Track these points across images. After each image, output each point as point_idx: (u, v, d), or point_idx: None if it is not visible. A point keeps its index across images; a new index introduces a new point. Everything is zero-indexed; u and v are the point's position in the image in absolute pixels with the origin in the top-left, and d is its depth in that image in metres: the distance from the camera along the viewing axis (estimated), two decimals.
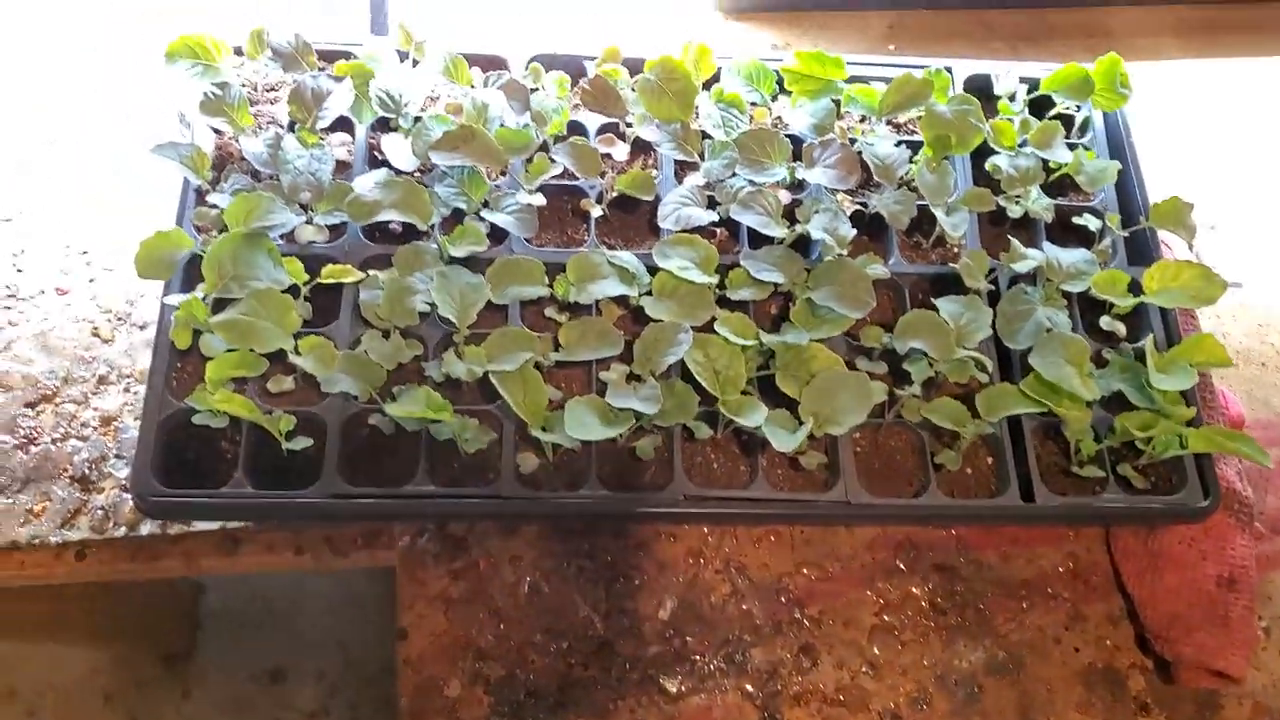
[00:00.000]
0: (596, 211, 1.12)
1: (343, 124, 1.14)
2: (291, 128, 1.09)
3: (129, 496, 1.04)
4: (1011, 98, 1.23)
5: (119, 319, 1.15)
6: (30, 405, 1.09)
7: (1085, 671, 1.11)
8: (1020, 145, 1.18)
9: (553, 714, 1.02)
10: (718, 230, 1.14)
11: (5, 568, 1.04)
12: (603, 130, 1.17)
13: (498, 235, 1.09)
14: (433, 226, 1.05)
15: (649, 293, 1.06)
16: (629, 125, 1.14)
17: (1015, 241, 1.10)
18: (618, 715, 1.03)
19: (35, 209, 1.23)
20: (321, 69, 1.15)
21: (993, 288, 1.11)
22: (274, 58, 1.10)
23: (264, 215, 0.97)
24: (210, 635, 2.04)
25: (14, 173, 1.25)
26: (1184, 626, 1.07)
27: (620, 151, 1.14)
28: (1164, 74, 1.50)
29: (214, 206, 1.03)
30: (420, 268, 1.00)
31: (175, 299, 0.95)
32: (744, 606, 1.09)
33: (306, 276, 1.00)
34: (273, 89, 1.17)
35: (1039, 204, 1.16)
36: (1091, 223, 1.16)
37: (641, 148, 1.18)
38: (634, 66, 1.16)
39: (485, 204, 1.08)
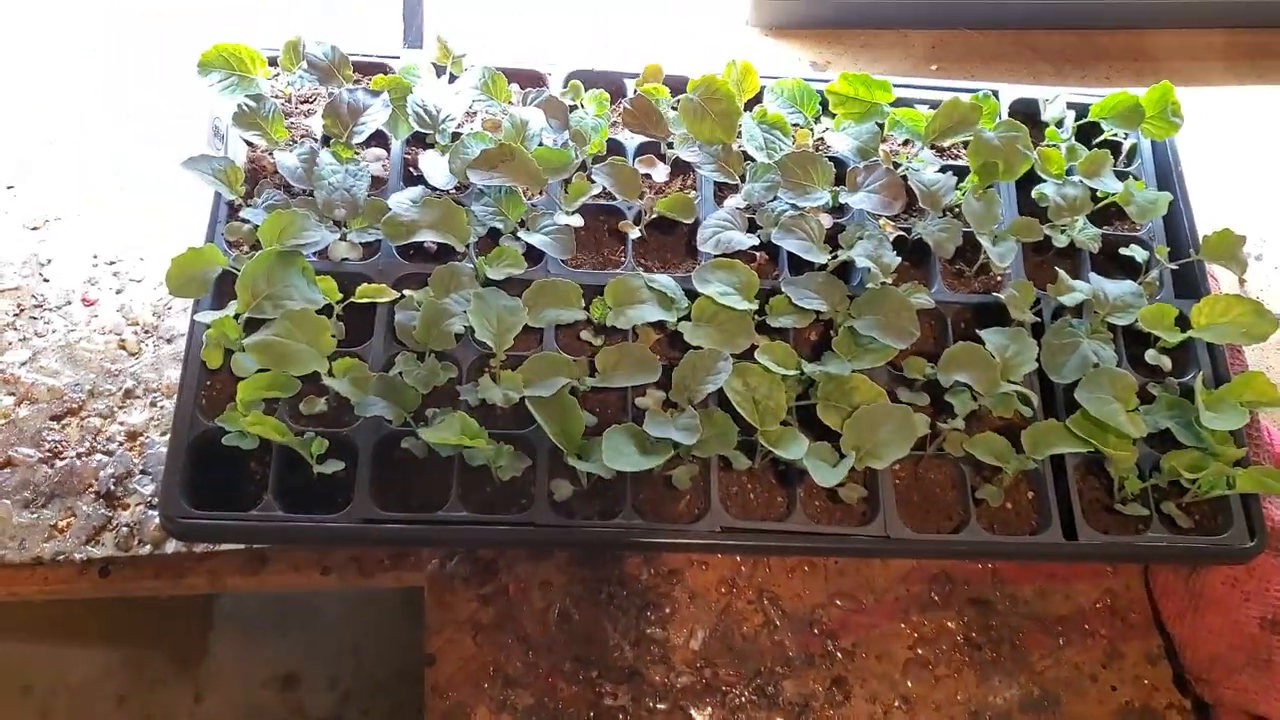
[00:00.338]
0: (634, 233, 1.09)
1: (378, 138, 1.12)
2: (326, 142, 1.07)
3: (154, 513, 1.03)
4: (1059, 124, 1.20)
5: (146, 331, 1.14)
6: (56, 418, 1.08)
7: (1122, 711, 1.08)
8: (1067, 173, 1.15)
9: None
10: (757, 254, 1.12)
11: (29, 583, 1.03)
12: (642, 150, 1.15)
13: (534, 255, 1.07)
14: (469, 246, 1.03)
15: (687, 317, 1.04)
16: (670, 146, 1.12)
17: (1063, 273, 1.08)
18: None
19: (55, 215, 1.21)
20: (358, 81, 1.13)
21: (1037, 319, 1.09)
22: (309, 70, 1.08)
23: (298, 233, 0.95)
24: (223, 638, 2.03)
25: (16, 173, 1.24)
26: (1225, 669, 1.05)
27: (660, 172, 1.12)
28: (1210, 100, 1.47)
29: (246, 221, 1.01)
30: (456, 289, 0.99)
31: (207, 317, 0.94)
32: (776, 638, 1.07)
33: (340, 295, 0.98)
34: (306, 101, 1.15)
35: (1085, 234, 1.13)
36: (1138, 254, 1.14)
37: (681, 168, 1.16)
38: (675, 84, 1.14)
39: (522, 223, 1.06)
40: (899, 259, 1.06)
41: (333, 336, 0.94)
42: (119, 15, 1.38)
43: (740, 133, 1.11)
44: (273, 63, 1.10)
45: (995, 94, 1.23)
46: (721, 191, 1.14)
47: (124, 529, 1.03)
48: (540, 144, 1.08)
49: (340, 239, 1.03)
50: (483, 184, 1.01)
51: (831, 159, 1.13)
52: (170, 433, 0.94)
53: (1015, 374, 1.02)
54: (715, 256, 1.06)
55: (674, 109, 1.11)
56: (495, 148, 1.00)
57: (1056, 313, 1.10)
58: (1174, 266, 1.14)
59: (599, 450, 0.92)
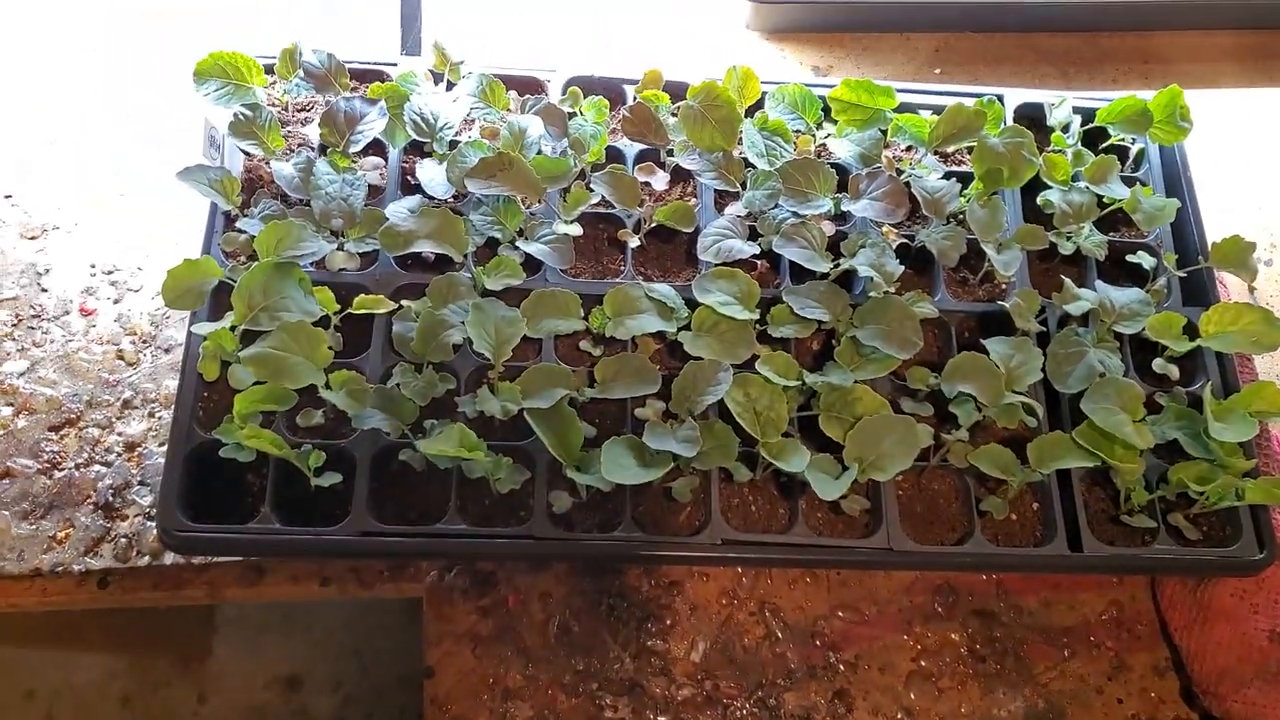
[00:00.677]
0: (634, 242, 1.08)
1: (375, 147, 1.11)
2: (323, 151, 1.07)
3: (152, 525, 1.02)
4: (1065, 129, 1.19)
5: (144, 342, 1.13)
6: (54, 429, 1.07)
7: None
8: (1073, 179, 1.14)
9: None
10: (759, 262, 1.11)
11: (28, 595, 1.02)
12: (641, 157, 1.14)
13: (533, 265, 1.06)
14: (467, 256, 1.02)
15: (687, 327, 1.03)
16: (669, 154, 1.11)
17: (1069, 282, 1.07)
18: None
19: (54, 224, 1.20)
20: (355, 89, 1.12)
21: (1042, 328, 1.07)
22: (306, 79, 1.07)
23: (295, 244, 0.94)
24: (227, 640, 2.03)
25: (15, 183, 1.23)
26: (1234, 682, 1.04)
27: (660, 180, 1.11)
28: (1220, 102, 1.45)
29: (243, 232, 1.00)
30: (454, 299, 0.98)
31: (203, 328, 0.93)
32: (778, 649, 1.06)
33: (337, 306, 0.98)
34: (303, 109, 1.15)
35: (1091, 241, 1.12)
36: (1146, 261, 1.13)
37: (681, 176, 1.15)
38: (675, 91, 1.13)
39: (521, 233, 1.06)
40: (902, 267, 1.04)
41: (329, 348, 0.93)
42: (119, 15, 1.37)
43: (741, 139, 1.10)
44: (269, 71, 1.10)
45: (1000, 99, 1.21)
46: (722, 199, 1.13)
47: (122, 540, 1.03)
48: (539, 152, 1.07)
49: (338, 249, 1.02)
50: (481, 193, 1.01)
51: (834, 165, 1.12)
52: (167, 445, 0.93)
53: (1020, 384, 1.00)
54: (716, 265, 1.05)
55: (674, 115, 1.10)
56: (493, 156, 0.99)
57: (1062, 321, 1.09)
58: (1182, 274, 1.13)
59: (598, 462, 0.91)
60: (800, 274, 1.08)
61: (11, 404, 1.08)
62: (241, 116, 1.03)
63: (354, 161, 1.07)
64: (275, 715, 2.00)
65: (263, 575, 1.06)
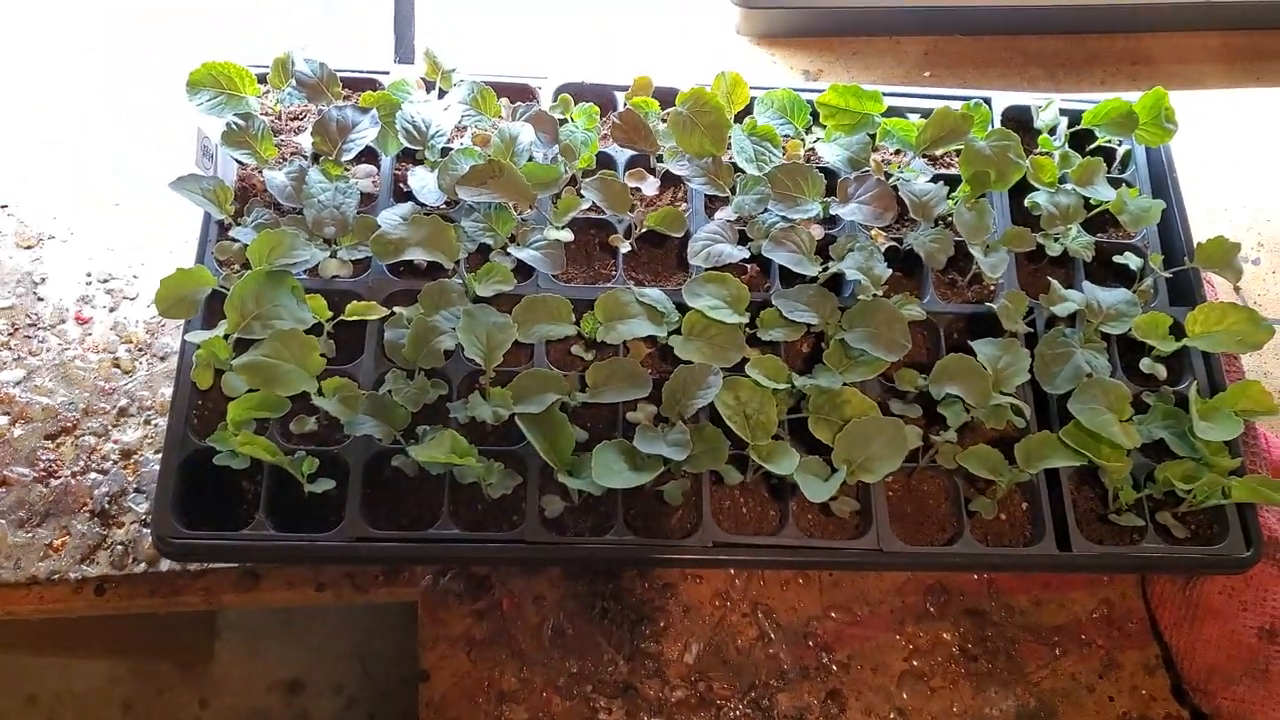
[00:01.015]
0: (625, 247, 1.09)
1: (368, 154, 1.12)
2: (316, 159, 1.07)
3: (148, 532, 1.03)
4: (1052, 131, 1.20)
5: (140, 349, 1.14)
6: (50, 437, 1.08)
7: None
8: (1060, 181, 1.15)
9: None
10: (749, 266, 1.12)
11: (24, 602, 1.03)
12: (632, 163, 1.15)
13: (525, 271, 1.07)
14: (459, 262, 1.03)
15: (678, 331, 1.04)
16: (659, 159, 1.12)
17: (1055, 283, 1.08)
18: None
19: (50, 234, 1.21)
20: (347, 98, 1.13)
21: (1030, 329, 1.08)
22: (298, 88, 1.08)
23: (287, 252, 0.95)
24: (228, 645, 2.04)
25: (11, 193, 1.24)
26: (1223, 679, 1.04)
27: (650, 186, 1.12)
28: (1207, 103, 1.46)
29: (236, 241, 1.01)
30: (446, 305, 0.99)
31: (197, 337, 0.94)
32: (771, 651, 1.07)
33: (330, 313, 0.99)
34: (296, 118, 1.16)
35: (1079, 242, 1.13)
36: (1132, 261, 1.13)
37: (672, 181, 1.16)
38: (665, 96, 1.14)
39: (512, 239, 1.06)
40: (890, 270, 1.05)
41: (322, 355, 0.94)
42: (119, 15, 1.38)
43: (730, 145, 1.11)
44: (262, 80, 1.11)
45: (988, 101, 1.22)
46: (712, 204, 1.14)
47: (119, 547, 1.04)
48: (530, 159, 1.08)
49: (330, 257, 1.03)
50: (472, 200, 1.01)
51: (822, 170, 1.13)
52: (161, 453, 0.94)
53: (1008, 385, 1.01)
54: (706, 270, 1.06)
55: (664, 122, 1.11)
56: (484, 164, 1.00)
57: (1050, 322, 1.10)
58: (1168, 274, 1.13)
59: (590, 466, 0.92)
60: (790, 278, 1.09)
61: (8, 413, 1.09)
62: (234, 126, 1.04)
63: (346, 170, 1.08)
64: (277, 719, 2.00)
65: (259, 581, 1.06)
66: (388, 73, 1.16)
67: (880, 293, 1.04)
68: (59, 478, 1.06)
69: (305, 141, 1.11)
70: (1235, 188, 1.40)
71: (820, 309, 1.04)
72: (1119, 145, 1.23)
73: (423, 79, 1.15)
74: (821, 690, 1.06)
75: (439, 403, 0.99)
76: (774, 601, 1.09)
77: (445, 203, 1.08)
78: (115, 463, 1.08)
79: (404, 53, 1.34)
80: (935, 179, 1.14)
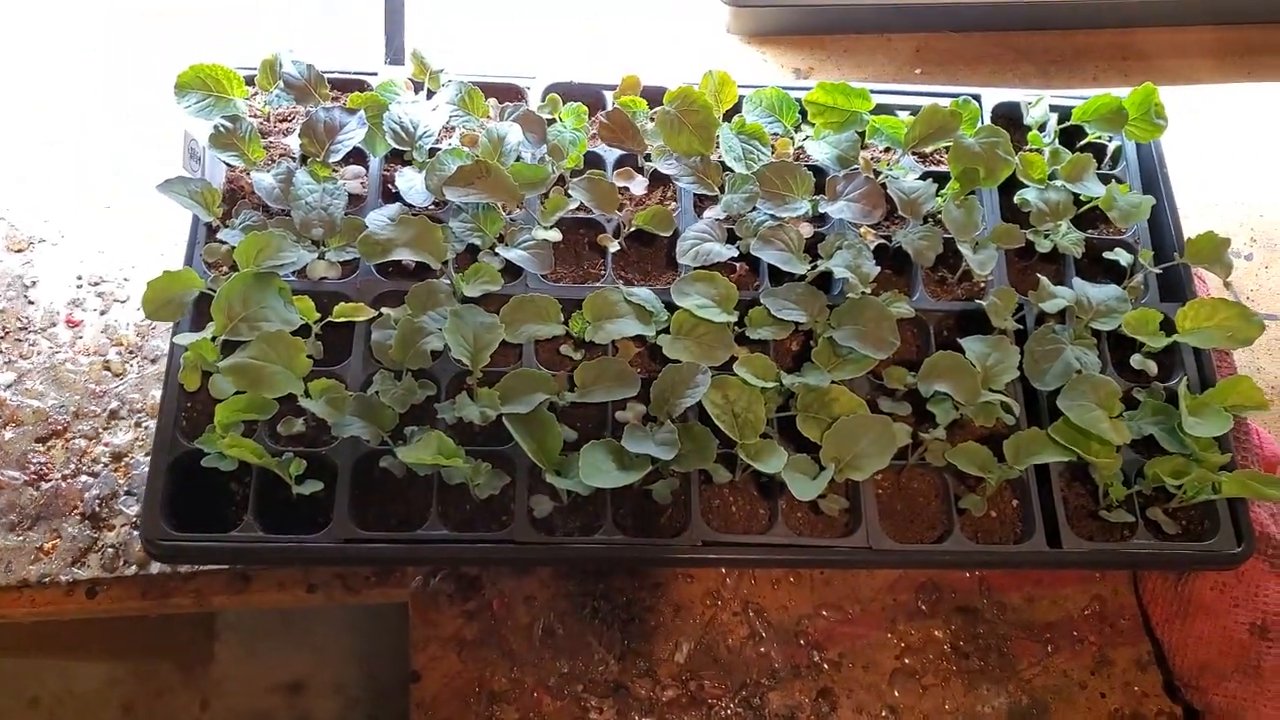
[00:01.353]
0: (614, 247, 1.09)
1: (357, 155, 1.12)
2: (304, 161, 1.08)
3: (139, 534, 1.03)
4: (1041, 127, 1.19)
5: (130, 352, 1.14)
6: (41, 440, 1.08)
7: (1112, 718, 1.08)
8: (1050, 177, 1.14)
9: None
10: (738, 265, 1.12)
11: (16, 605, 1.03)
12: (621, 162, 1.15)
13: (514, 270, 1.07)
14: (446, 263, 1.03)
15: (667, 330, 1.04)
16: (648, 159, 1.12)
17: (1044, 280, 1.07)
18: None
19: (40, 237, 1.22)
20: (335, 99, 1.13)
21: (1020, 326, 1.08)
22: (286, 90, 1.08)
23: (274, 254, 0.95)
24: (228, 646, 2.04)
25: (16, 181, 1.24)
26: (1214, 675, 1.04)
27: (638, 186, 1.12)
28: (1200, 98, 1.45)
29: (224, 243, 1.01)
30: (433, 306, 0.99)
31: (185, 339, 0.94)
32: (762, 649, 1.07)
33: (318, 315, 0.99)
34: (285, 119, 1.16)
35: (1069, 238, 1.12)
36: (1123, 257, 1.13)
37: (661, 180, 1.15)
38: (653, 95, 1.14)
39: (500, 239, 1.06)
40: (878, 268, 1.05)
41: (309, 357, 0.94)
42: (119, 15, 1.39)
43: (718, 143, 1.11)
44: (250, 82, 1.11)
45: (977, 98, 1.22)
46: (701, 203, 1.14)
47: (109, 550, 1.04)
48: (518, 159, 1.08)
49: (319, 258, 1.03)
50: (459, 201, 1.01)
51: (811, 168, 1.13)
52: (150, 455, 0.94)
53: (997, 382, 1.01)
54: (694, 269, 1.06)
55: (652, 121, 1.11)
56: (471, 164, 1.00)
57: (1040, 319, 1.10)
58: (1158, 270, 1.13)
59: (578, 466, 0.92)
60: (779, 276, 1.09)
61: None
62: (222, 128, 1.04)
63: (335, 171, 1.08)
64: None
65: (249, 583, 1.06)
66: (376, 74, 1.16)
67: (869, 290, 1.04)
68: (50, 481, 1.07)
69: (294, 143, 1.11)
70: (1228, 183, 1.40)
71: (809, 307, 1.04)
72: (1109, 141, 1.23)
73: (411, 80, 1.15)
74: (813, 689, 1.06)
75: (427, 403, 0.99)
76: (765, 600, 1.09)
77: (433, 203, 1.08)
78: (106, 465, 1.08)
79: (394, 54, 1.34)
80: (925, 176, 1.14)
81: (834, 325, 1.03)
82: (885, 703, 1.07)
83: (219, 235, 1.03)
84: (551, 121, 1.13)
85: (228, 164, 1.09)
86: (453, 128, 1.13)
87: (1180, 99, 1.44)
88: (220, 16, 1.39)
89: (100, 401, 1.11)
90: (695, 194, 1.13)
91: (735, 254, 1.08)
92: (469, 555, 0.97)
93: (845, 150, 1.13)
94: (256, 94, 1.13)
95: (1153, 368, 1.09)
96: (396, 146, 1.07)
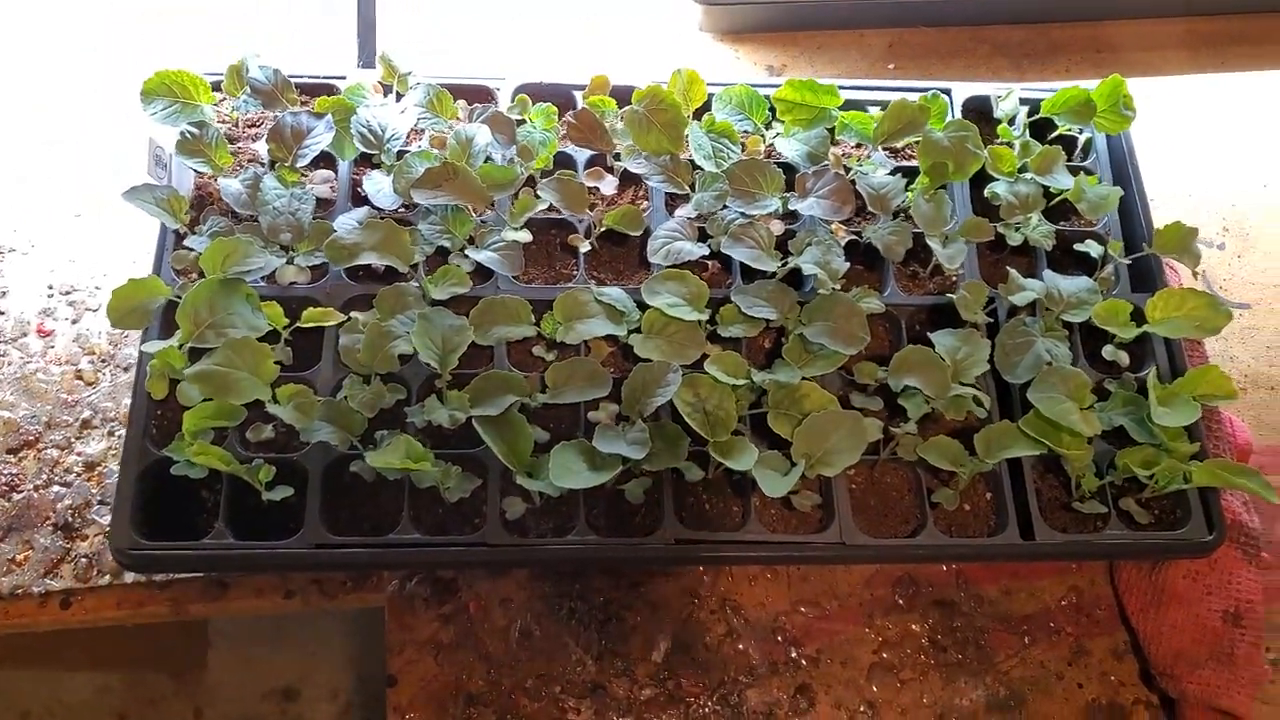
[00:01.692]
0: (585, 247, 1.09)
1: (327, 160, 1.12)
2: (272, 165, 1.07)
3: None
4: (1011, 121, 1.20)
5: (103, 361, 1.14)
6: (12, 451, 1.08)
7: (1089, 708, 1.08)
8: (1020, 170, 1.15)
9: None
10: (710, 263, 1.12)
11: None
12: (591, 162, 1.15)
13: (485, 272, 1.07)
14: (416, 266, 1.03)
15: (638, 329, 1.04)
16: (617, 158, 1.12)
17: (1014, 273, 1.08)
18: None
19: (10, 246, 1.21)
20: (304, 103, 1.13)
21: (991, 320, 1.08)
22: (253, 95, 1.08)
23: (241, 260, 0.95)
24: (221, 653, 2.03)
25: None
26: (1189, 663, 1.05)
27: (609, 185, 1.12)
28: (1171, 89, 1.46)
29: (192, 250, 1.01)
30: (402, 309, 0.98)
31: (152, 347, 0.94)
32: (739, 646, 1.07)
33: (287, 320, 0.98)
34: (254, 125, 1.15)
35: (1039, 231, 1.13)
36: (1094, 249, 1.13)
37: (632, 179, 1.15)
38: (623, 95, 1.14)
39: (471, 241, 1.06)
40: (847, 264, 1.05)
41: (278, 363, 0.94)
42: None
43: (688, 142, 1.11)
44: (217, 88, 1.10)
45: (948, 93, 1.22)
46: (673, 202, 1.14)
47: (82, 560, 1.04)
48: (488, 160, 1.08)
49: (288, 263, 1.03)
50: (427, 203, 1.01)
51: (782, 165, 1.13)
52: (119, 464, 0.94)
53: (967, 376, 1.01)
54: (665, 267, 1.06)
55: (622, 120, 1.10)
56: (438, 166, 1.00)
57: (1012, 312, 1.10)
58: (1128, 261, 1.14)
59: (549, 467, 0.92)
60: (752, 274, 1.09)
61: None
62: (188, 134, 1.04)
63: (303, 176, 1.08)
64: None
65: (226, 590, 1.06)
66: (344, 78, 1.16)
67: (838, 286, 1.04)
68: (21, 492, 1.06)
69: (263, 149, 1.11)
70: (1201, 173, 1.40)
71: (779, 304, 1.04)
72: (1080, 134, 1.23)
73: (380, 83, 1.15)
74: (790, 685, 1.06)
75: (397, 407, 0.99)
76: (743, 597, 1.09)
77: (403, 206, 1.07)
78: (79, 475, 1.08)
79: (366, 58, 1.33)
80: (895, 171, 1.14)
81: (805, 322, 1.03)
82: (863, 698, 1.07)
83: (186, 242, 1.02)
84: (521, 122, 1.12)
85: (195, 170, 1.09)
86: (422, 130, 1.12)
87: (1153, 90, 1.44)
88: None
89: (72, 411, 1.11)
90: (667, 193, 1.13)
91: (706, 252, 1.08)
92: (441, 559, 0.97)
93: (815, 147, 1.13)
94: (224, 100, 1.13)
95: (1124, 359, 1.09)
96: (365, 150, 1.07)
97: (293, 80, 1.13)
